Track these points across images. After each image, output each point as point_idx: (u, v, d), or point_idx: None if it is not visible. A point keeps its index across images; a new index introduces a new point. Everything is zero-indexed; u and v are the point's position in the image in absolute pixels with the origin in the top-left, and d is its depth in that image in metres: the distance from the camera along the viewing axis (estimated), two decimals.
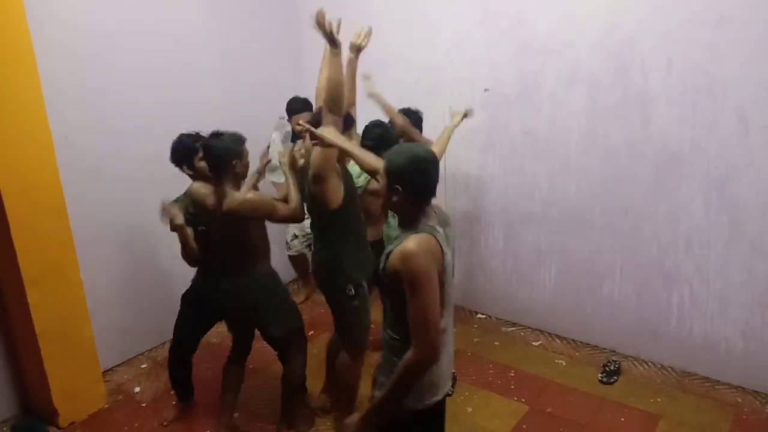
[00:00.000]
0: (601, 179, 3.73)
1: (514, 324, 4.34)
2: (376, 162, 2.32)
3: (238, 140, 2.83)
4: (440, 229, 1.90)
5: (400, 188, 1.86)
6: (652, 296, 3.68)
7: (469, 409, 3.38)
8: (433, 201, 1.99)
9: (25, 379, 3.43)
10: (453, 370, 3.54)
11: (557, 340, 4.11)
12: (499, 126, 4.06)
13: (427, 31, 4.25)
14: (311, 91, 4.49)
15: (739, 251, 3.35)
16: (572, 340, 4.07)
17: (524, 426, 3.23)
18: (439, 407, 2.02)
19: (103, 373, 3.62)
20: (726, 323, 3.46)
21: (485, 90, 4.05)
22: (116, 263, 3.83)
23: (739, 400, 3.37)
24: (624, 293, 3.79)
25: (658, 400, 3.41)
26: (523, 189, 4.07)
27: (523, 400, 3.45)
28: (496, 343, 4.11)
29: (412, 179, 1.87)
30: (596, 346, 3.97)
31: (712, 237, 3.42)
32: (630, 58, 3.46)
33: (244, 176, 2.88)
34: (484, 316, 4.48)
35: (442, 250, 1.83)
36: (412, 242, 1.78)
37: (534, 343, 4.09)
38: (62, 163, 3.20)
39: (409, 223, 1.89)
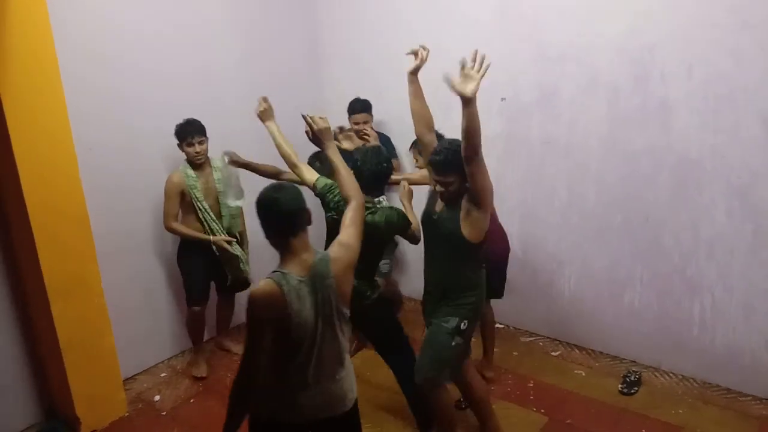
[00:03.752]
0: (621, 187, 3.69)
1: (532, 334, 4.31)
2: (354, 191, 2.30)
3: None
4: (296, 278, 1.95)
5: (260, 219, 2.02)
6: (674, 305, 3.63)
7: None
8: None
9: (49, 387, 3.48)
10: None
11: (576, 350, 4.06)
12: (517, 134, 4.04)
13: (443, 38, 4.24)
14: (328, 83, 4.48)
15: (764, 258, 3.29)
16: (592, 350, 4.03)
17: None
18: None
19: (123, 381, 3.66)
20: (750, 333, 3.40)
21: (502, 99, 4.03)
22: (137, 274, 3.87)
23: (765, 412, 3.30)
24: (645, 302, 3.74)
25: (680, 411, 3.36)
26: (542, 197, 4.05)
27: (542, 410, 3.42)
28: (514, 353, 4.08)
29: (260, 218, 2.00)
30: (616, 357, 3.92)
31: (735, 244, 3.36)
32: (650, 65, 3.42)
33: None
34: (502, 326, 4.45)
35: (287, 299, 1.91)
36: (257, 286, 1.93)
37: (553, 354, 4.06)
38: (85, 175, 3.25)
39: (280, 258, 2.02)
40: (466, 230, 2.62)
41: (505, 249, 3.69)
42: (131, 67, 3.69)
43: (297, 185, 2.17)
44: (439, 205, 2.75)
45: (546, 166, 3.98)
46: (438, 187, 2.67)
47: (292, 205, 1.99)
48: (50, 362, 3.37)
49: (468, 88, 2.36)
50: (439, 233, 2.73)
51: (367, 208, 2.76)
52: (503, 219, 4.23)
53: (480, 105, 4.04)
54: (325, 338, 2.03)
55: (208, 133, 3.66)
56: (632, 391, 3.55)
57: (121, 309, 3.68)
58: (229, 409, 2.00)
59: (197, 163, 3.62)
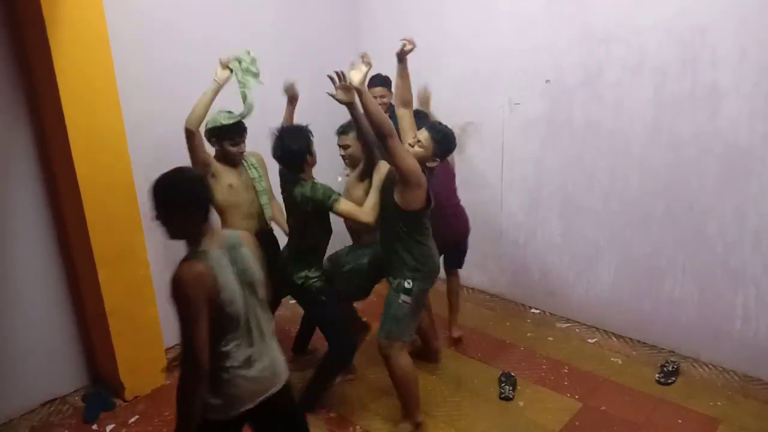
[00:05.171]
0: (665, 173, 3.61)
1: (569, 320, 4.27)
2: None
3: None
4: (215, 252, 1.95)
5: (171, 208, 1.96)
6: (716, 296, 3.55)
7: (521, 403, 3.37)
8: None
9: (95, 354, 3.63)
10: (512, 373, 3.53)
11: (614, 338, 4.02)
12: (559, 117, 3.99)
13: (486, 17, 4.20)
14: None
15: None
16: (629, 338, 3.97)
17: (577, 423, 3.19)
18: (246, 416, 2.12)
19: (165, 350, 3.78)
20: None
21: (546, 81, 3.98)
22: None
23: None
24: (685, 292, 3.67)
25: (718, 403, 3.29)
26: (582, 182, 3.99)
27: (577, 396, 3.41)
28: (549, 338, 4.07)
29: (184, 207, 1.95)
30: (654, 346, 3.86)
31: None
32: (700, 48, 3.32)
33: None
34: (538, 311, 4.43)
35: (215, 273, 1.90)
36: (180, 270, 1.88)
37: (589, 341, 4.02)
38: (133, 149, 3.36)
39: (189, 243, 2.01)
40: (397, 198, 2.84)
41: (463, 231, 3.83)
42: (178, 51, 3.78)
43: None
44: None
45: (588, 150, 3.91)
46: None
47: (208, 187, 2.04)
48: (96, 329, 3.51)
49: (354, 77, 2.61)
50: (383, 199, 2.97)
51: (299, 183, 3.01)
52: (542, 203, 4.22)
53: (523, 86, 4.08)
54: (254, 309, 2.05)
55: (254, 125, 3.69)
56: (669, 381, 3.50)
57: (165, 279, 3.77)
58: (186, 410, 1.92)
59: (236, 161, 3.34)
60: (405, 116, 3.09)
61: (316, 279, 3.11)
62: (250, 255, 2.07)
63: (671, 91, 3.48)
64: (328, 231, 3.14)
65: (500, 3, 4.09)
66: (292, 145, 2.93)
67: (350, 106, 2.88)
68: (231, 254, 2.01)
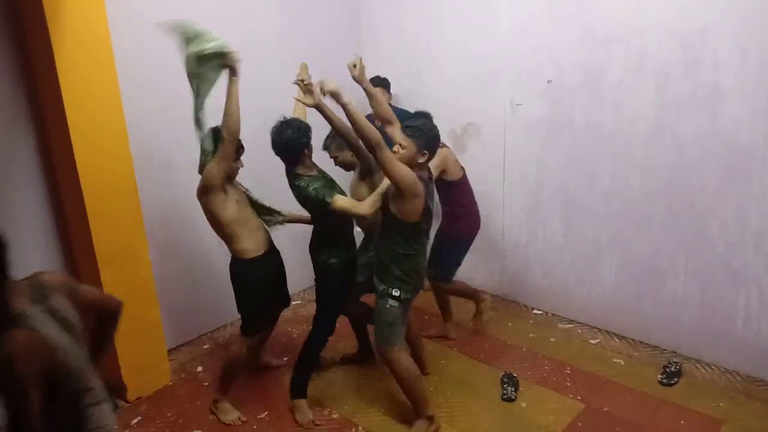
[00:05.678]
0: (666, 174, 3.61)
1: (571, 321, 4.27)
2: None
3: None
4: (33, 310, 1.69)
5: None
6: (717, 296, 3.55)
7: (523, 404, 3.36)
8: None
9: None
10: (515, 374, 3.53)
11: (616, 339, 4.01)
12: (560, 117, 3.99)
13: (486, 17, 4.20)
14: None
15: None
16: (632, 339, 3.97)
17: (579, 424, 3.18)
18: None
19: (167, 351, 3.78)
20: None
21: (548, 81, 3.98)
22: (183, 247, 3.98)
23: None
24: (687, 292, 3.67)
25: (721, 404, 3.29)
26: (583, 183, 3.99)
27: (579, 397, 3.40)
28: (552, 339, 4.06)
29: None
30: (656, 347, 3.86)
31: None
32: (702, 48, 3.32)
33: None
34: (540, 312, 4.43)
35: (42, 335, 1.67)
36: (6, 346, 1.58)
37: (592, 341, 4.01)
38: (135, 151, 3.35)
39: None
40: (393, 207, 2.83)
41: (468, 230, 3.92)
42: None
43: None
44: None
45: (589, 150, 3.91)
46: None
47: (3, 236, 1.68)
48: None
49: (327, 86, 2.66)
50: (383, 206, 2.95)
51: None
52: (544, 204, 4.22)
53: (524, 87, 4.08)
54: (82, 351, 1.86)
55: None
56: (672, 381, 3.49)
57: (167, 281, 3.79)
58: None
59: (235, 175, 3.19)
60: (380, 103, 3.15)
61: (334, 261, 3.18)
62: (63, 299, 1.82)
63: (673, 93, 3.48)
64: (341, 218, 3.15)
65: (500, 3, 4.10)
66: (291, 134, 2.98)
67: (318, 108, 2.85)
68: (45, 306, 1.73)
